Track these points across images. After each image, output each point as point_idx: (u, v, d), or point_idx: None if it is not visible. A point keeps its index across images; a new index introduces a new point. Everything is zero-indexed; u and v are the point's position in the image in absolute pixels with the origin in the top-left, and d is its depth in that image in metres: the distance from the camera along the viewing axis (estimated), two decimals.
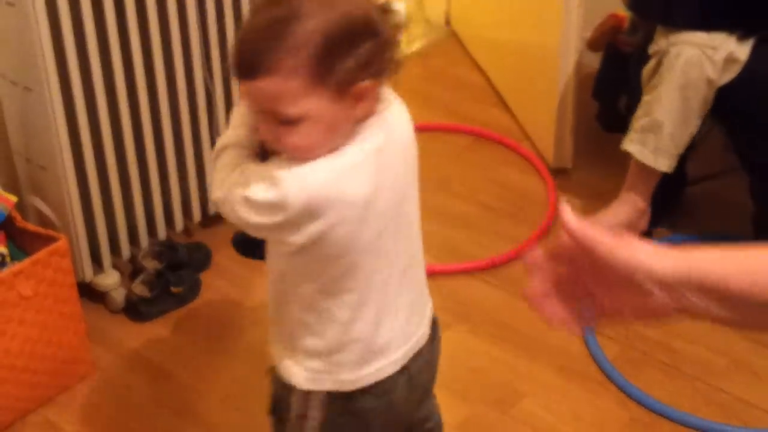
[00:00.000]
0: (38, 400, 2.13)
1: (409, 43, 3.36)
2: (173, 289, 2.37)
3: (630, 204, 2.35)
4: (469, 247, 2.59)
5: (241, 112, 1.43)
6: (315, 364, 1.44)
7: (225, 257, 2.51)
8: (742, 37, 2.21)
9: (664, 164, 2.26)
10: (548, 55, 2.75)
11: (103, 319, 2.35)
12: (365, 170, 1.32)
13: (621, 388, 2.17)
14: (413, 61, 3.25)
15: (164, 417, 2.13)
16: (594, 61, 2.91)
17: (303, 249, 1.33)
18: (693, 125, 2.24)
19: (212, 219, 2.55)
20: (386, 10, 1.31)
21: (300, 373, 1.45)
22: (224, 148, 1.40)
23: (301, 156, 1.29)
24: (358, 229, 1.33)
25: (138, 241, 2.40)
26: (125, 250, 2.38)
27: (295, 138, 1.28)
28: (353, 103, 1.29)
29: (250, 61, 1.26)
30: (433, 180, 2.81)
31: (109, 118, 2.20)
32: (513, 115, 3.06)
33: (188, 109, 2.34)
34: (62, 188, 2.19)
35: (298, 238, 1.31)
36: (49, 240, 2.08)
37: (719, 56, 2.18)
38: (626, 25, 2.79)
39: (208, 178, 2.47)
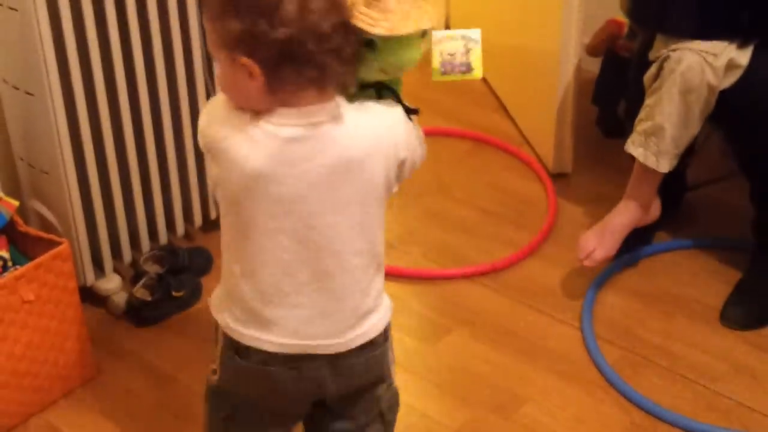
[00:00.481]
0: (41, 404, 2.14)
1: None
2: (175, 294, 2.38)
3: (635, 203, 2.37)
4: (470, 251, 2.59)
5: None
6: (220, 293, 1.55)
7: None
8: (742, 44, 2.22)
9: (666, 166, 2.28)
10: (548, 60, 2.76)
11: (105, 323, 2.36)
12: (262, 145, 1.38)
13: (622, 393, 2.17)
14: (413, 67, 3.25)
15: (166, 420, 2.13)
16: (594, 66, 2.92)
17: (216, 186, 1.46)
18: (694, 128, 2.25)
19: (213, 223, 2.56)
20: (335, 16, 1.34)
21: (214, 296, 1.57)
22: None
23: (229, 98, 1.42)
24: (243, 196, 1.41)
25: (139, 245, 2.40)
26: (127, 254, 2.38)
27: (217, 75, 1.48)
28: (247, 75, 1.35)
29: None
30: (433, 185, 2.82)
31: (111, 122, 2.21)
32: (513, 120, 3.07)
33: (189, 114, 2.35)
34: (64, 193, 2.19)
35: (212, 169, 1.47)
36: (51, 244, 2.09)
37: (720, 62, 2.18)
38: (625, 30, 2.80)
39: (209, 183, 2.47)
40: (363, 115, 1.43)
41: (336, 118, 1.39)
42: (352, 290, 1.49)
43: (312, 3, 1.32)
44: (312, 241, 1.44)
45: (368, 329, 1.52)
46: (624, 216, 2.37)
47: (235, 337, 1.52)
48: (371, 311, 1.52)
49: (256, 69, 1.34)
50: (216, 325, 1.58)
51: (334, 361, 1.52)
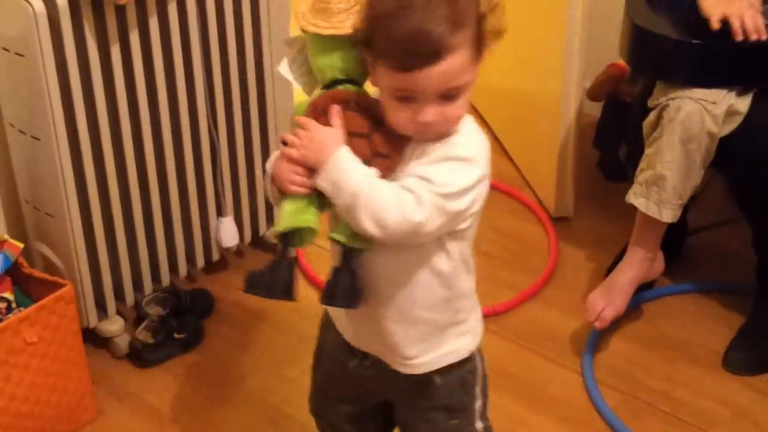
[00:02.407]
0: None
1: None
2: (176, 335, 2.38)
3: (639, 256, 2.36)
4: None
5: (346, 150, 1.43)
6: (476, 315, 1.61)
7: (228, 304, 2.52)
8: (741, 92, 2.23)
9: (669, 216, 2.27)
10: (549, 104, 2.78)
11: (107, 365, 2.36)
12: None
13: None
14: None
15: None
16: (595, 110, 2.94)
17: (470, 224, 1.48)
18: (696, 176, 2.26)
19: (215, 265, 2.57)
20: None
21: (471, 337, 1.61)
22: (374, 181, 1.40)
23: (455, 124, 1.41)
24: None
25: (142, 287, 2.42)
26: (129, 296, 2.39)
27: (458, 109, 1.39)
28: (478, 69, 1.41)
29: (430, 47, 1.33)
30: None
31: (115, 166, 2.23)
32: (514, 163, 3.09)
33: (193, 159, 2.37)
34: (68, 235, 2.20)
35: (480, 202, 1.45)
36: (55, 286, 2.10)
37: (719, 110, 2.20)
38: (627, 75, 2.82)
39: (211, 225, 2.49)
40: None
41: None
42: None
43: None
44: None
45: None
46: (629, 272, 2.35)
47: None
48: None
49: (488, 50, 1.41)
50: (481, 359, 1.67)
51: None
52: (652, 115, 2.27)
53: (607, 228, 2.77)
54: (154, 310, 2.44)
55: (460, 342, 1.58)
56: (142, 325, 2.40)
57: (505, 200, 2.96)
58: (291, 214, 1.42)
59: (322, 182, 1.40)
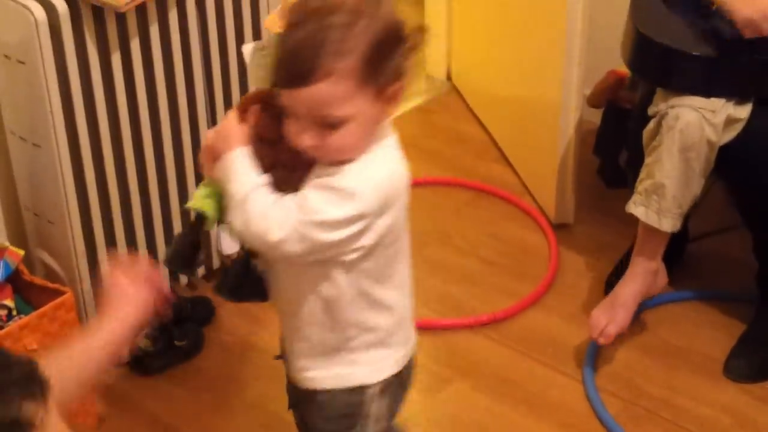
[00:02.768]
0: None
1: (410, 98, 3.40)
2: (177, 343, 2.38)
3: (642, 268, 2.34)
4: (471, 301, 2.60)
5: (243, 154, 1.42)
6: (378, 354, 1.53)
7: (228, 311, 2.52)
8: (741, 100, 2.23)
9: (669, 225, 2.27)
10: (549, 111, 2.78)
11: (108, 373, 2.36)
12: (399, 155, 1.43)
13: None
14: (414, 116, 3.28)
15: None
16: (595, 117, 2.94)
17: (372, 248, 1.41)
18: (696, 186, 2.25)
19: (216, 273, 2.57)
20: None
21: (365, 371, 1.53)
22: (255, 188, 1.39)
23: (341, 157, 1.37)
24: (405, 210, 1.45)
25: None
26: None
27: (339, 139, 1.35)
28: (387, 104, 1.37)
29: (302, 68, 1.31)
30: (434, 234, 2.83)
31: (116, 174, 2.23)
32: (514, 170, 3.09)
33: (193, 165, 2.37)
34: (69, 242, 2.20)
35: (371, 237, 1.39)
36: (56, 294, 2.10)
37: (718, 119, 2.20)
38: (627, 82, 2.82)
39: (212, 233, 2.48)
40: None
41: None
42: None
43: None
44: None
45: None
46: (632, 286, 2.34)
47: (402, 364, 1.58)
48: None
49: (404, 89, 1.38)
50: (378, 397, 1.57)
51: None
52: (651, 124, 2.27)
53: (607, 235, 2.76)
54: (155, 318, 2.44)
55: (348, 369, 1.53)
56: (143, 333, 2.39)
57: (505, 207, 2.95)
58: (198, 196, 1.47)
59: (217, 173, 1.42)
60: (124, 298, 1.46)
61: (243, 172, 1.40)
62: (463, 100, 3.42)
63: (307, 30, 1.32)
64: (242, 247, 1.53)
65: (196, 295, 2.53)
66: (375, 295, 1.49)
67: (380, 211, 1.38)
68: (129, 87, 2.18)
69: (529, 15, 2.89)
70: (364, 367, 1.54)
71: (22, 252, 2.14)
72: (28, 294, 2.14)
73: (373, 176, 1.37)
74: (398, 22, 1.36)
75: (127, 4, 2.03)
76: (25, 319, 2.03)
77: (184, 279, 2.49)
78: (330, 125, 1.34)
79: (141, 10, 2.13)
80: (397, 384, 1.59)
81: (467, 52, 3.41)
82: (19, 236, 2.30)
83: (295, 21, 1.34)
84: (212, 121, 2.36)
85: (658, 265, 2.37)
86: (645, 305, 2.51)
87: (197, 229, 1.49)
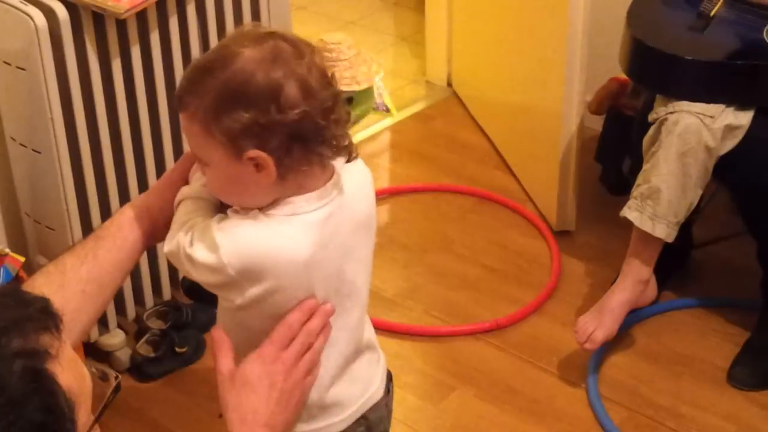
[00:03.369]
0: None
1: (412, 104, 3.40)
2: (178, 349, 2.38)
3: (632, 277, 2.33)
4: (472, 308, 2.59)
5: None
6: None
7: None
8: (741, 108, 2.23)
9: (663, 232, 2.26)
10: (551, 118, 2.78)
11: None
12: (306, 234, 1.32)
13: None
14: (415, 122, 3.28)
15: None
16: (596, 123, 2.94)
17: (246, 307, 1.34)
18: (692, 194, 2.25)
19: None
20: (323, 92, 1.30)
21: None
22: (181, 200, 1.39)
23: (223, 200, 1.35)
24: (301, 292, 1.34)
25: (143, 301, 2.40)
26: (130, 310, 2.38)
27: (210, 179, 1.34)
28: (254, 170, 1.29)
29: (176, 95, 1.33)
30: (435, 241, 2.82)
31: (116, 180, 2.22)
32: (516, 177, 3.08)
33: None
34: None
35: (239, 299, 1.32)
36: None
37: (717, 125, 2.19)
38: (628, 88, 2.81)
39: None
40: (354, 174, 1.41)
41: (341, 185, 1.37)
42: (371, 329, 1.51)
43: (310, 79, 1.28)
44: (345, 305, 1.42)
45: (383, 367, 1.54)
46: (621, 294, 2.33)
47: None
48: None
49: (268, 159, 1.27)
50: None
51: (381, 404, 1.51)
52: (651, 130, 2.27)
53: (609, 242, 2.76)
54: (156, 324, 2.43)
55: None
56: (144, 339, 2.39)
57: (507, 214, 2.95)
58: None
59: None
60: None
61: (192, 181, 1.41)
62: (464, 107, 3.41)
63: (192, 63, 1.33)
64: None
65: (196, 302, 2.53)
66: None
67: (244, 277, 1.30)
68: (129, 94, 2.17)
69: (530, 21, 2.89)
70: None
71: (22, 258, 2.13)
72: None
73: (243, 240, 1.30)
74: (272, 86, 1.26)
75: (127, 10, 2.03)
76: None
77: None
78: (201, 161, 1.33)
79: (141, 17, 2.13)
80: None
81: (468, 58, 3.40)
82: (19, 243, 2.30)
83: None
84: None
85: (649, 275, 2.35)
86: (649, 312, 2.51)
87: None
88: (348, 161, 1.37)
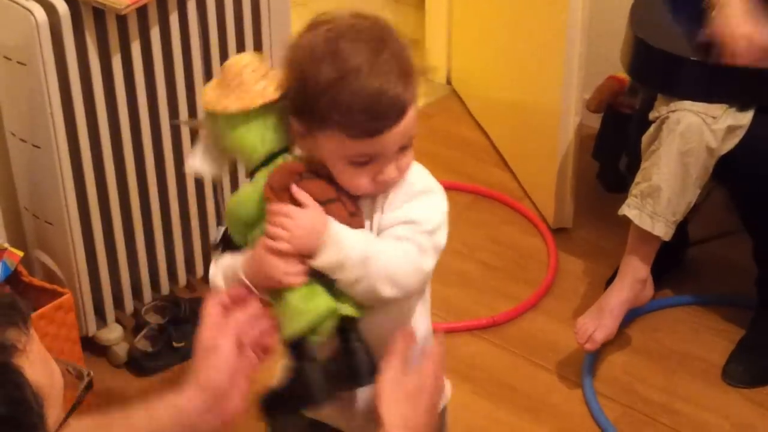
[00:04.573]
0: None
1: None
2: (175, 344, 2.38)
3: (631, 276, 2.34)
4: (470, 305, 2.60)
5: (339, 226, 1.34)
6: None
7: None
8: (743, 107, 2.24)
9: (662, 230, 2.26)
10: (549, 115, 2.79)
11: (106, 374, 2.36)
12: None
13: None
14: None
15: None
16: (594, 121, 2.94)
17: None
18: (691, 193, 2.25)
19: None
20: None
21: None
22: (374, 243, 1.32)
23: (406, 173, 1.35)
24: None
25: (141, 296, 2.41)
26: (129, 304, 2.39)
27: (409, 156, 1.35)
28: None
29: (396, 106, 1.28)
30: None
31: (116, 175, 2.23)
32: (513, 175, 3.09)
33: None
34: (68, 244, 2.20)
35: (438, 254, 1.37)
36: (55, 295, 2.10)
37: (719, 126, 2.20)
38: (626, 87, 2.82)
39: (212, 234, 2.49)
40: None
41: None
42: None
43: None
44: None
45: None
46: (620, 294, 2.33)
47: None
48: None
49: None
50: None
51: None
52: (651, 129, 2.27)
53: (606, 239, 2.77)
54: (154, 319, 2.44)
55: None
56: (141, 334, 2.39)
57: (505, 211, 2.95)
58: (301, 308, 1.29)
59: (322, 264, 1.29)
60: (216, 358, 1.27)
61: (354, 239, 1.30)
62: (463, 104, 3.42)
63: (368, 76, 1.26)
64: (304, 350, 1.33)
65: (195, 297, 2.53)
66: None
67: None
68: (129, 89, 2.18)
69: (530, 20, 2.89)
70: None
71: (21, 253, 2.14)
72: (27, 295, 2.14)
73: (423, 172, 1.38)
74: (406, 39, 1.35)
75: (127, 6, 2.03)
76: None
77: (182, 279, 2.48)
78: (405, 147, 1.32)
79: (142, 13, 2.13)
80: None
81: (467, 56, 3.41)
82: (18, 237, 2.30)
83: (346, 69, 1.26)
84: None
85: (647, 273, 2.36)
86: (644, 310, 2.52)
87: (348, 344, 1.33)
88: None
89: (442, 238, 1.36)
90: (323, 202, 1.31)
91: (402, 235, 1.32)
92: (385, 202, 1.35)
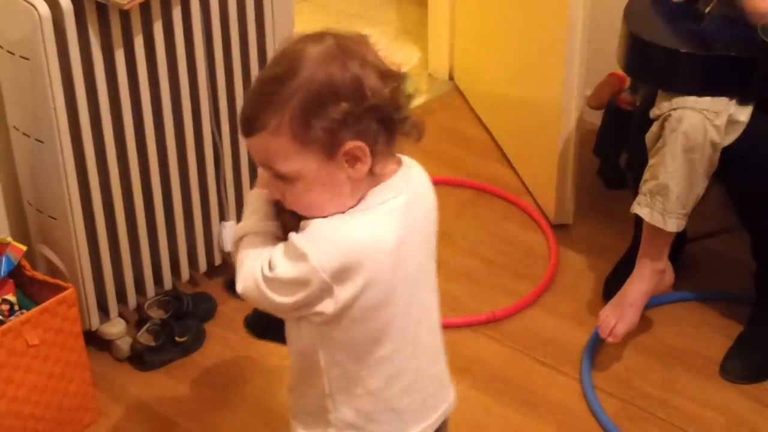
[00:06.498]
0: None
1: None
2: (178, 339, 2.39)
3: (649, 269, 2.35)
4: (471, 301, 2.61)
5: (256, 195, 1.42)
6: None
7: (229, 308, 2.53)
8: (742, 102, 2.25)
9: (674, 225, 2.28)
10: (550, 112, 2.80)
11: (109, 368, 2.37)
12: (392, 220, 1.33)
13: None
14: (416, 115, 3.28)
15: None
16: (595, 118, 2.95)
17: (336, 317, 1.33)
18: (700, 186, 2.26)
19: (217, 269, 2.58)
20: (390, 76, 1.31)
21: None
22: (242, 237, 1.39)
23: (306, 213, 1.32)
24: (388, 286, 1.34)
25: (144, 290, 2.42)
26: (131, 299, 2.40)
27: (294, 195, 1.31)
28: (348, 164, 1.30)
29: (246, 118, 1.31)
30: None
31: (119, 170, 2.24)
32: (515, 170, 3.10)
33: (196, 162, 2.38)
34: (71, 238, 2.22)
35: (331, 307, 1.31)
36: (58, 289, 2.11)
37: (721, 120, 2.21)
38: (627, 84, 2.83)
39: (214, 230, 2.50)
40: (412, 162, 1.43)
41: (409, 172, 1.39)
42: (439, 347, 1.53)
43: (380, 65, 1.30)
44: (425, 295, 1.45)
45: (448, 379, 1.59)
46: (640, 286, 2.35)
47: None
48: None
49: (364, 148, 1.28)
50: None
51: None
52: (654, 126, 2.28)
53: (606, 235, 2.78)
54: (156, 313, 2.45)
55: None
56: (144, 328, 2.41)
57: (505, 207, 2.96)
58: None
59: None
60: None
61: (246, 215, 1.40)
62: (465, 100, 3.43)
63: (259, 78, 1.32)
64: None
65: (197, 291, 2.55)
66: (352, 373, 1.40)
67: (338, 278, 1.29)
68: (132, 84, 2.19)
69: (531, 16, 2.90)
70: None
71: (24, 247, 2.15)
72: (30, 289, 2.16)
73: (332, 239, 1.30)
74: (352, 78, 1.27)
75: (130, 1, 2.04)
76: (26, 314, 2.04)
77: (185, 274, 2.50)
78: (282, 179, 1.30)
79: (145, 8, 2.14)
80: None
81: (469, 52, 3.42)
82: (21, 232, 2.31)
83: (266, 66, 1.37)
84: (215, 117, 2.37)
85: (664, 264, 2.38)
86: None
87: None
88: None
89: (271, 292, 1.33)
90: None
91: (260, 252, 1.36)
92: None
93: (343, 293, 1.31)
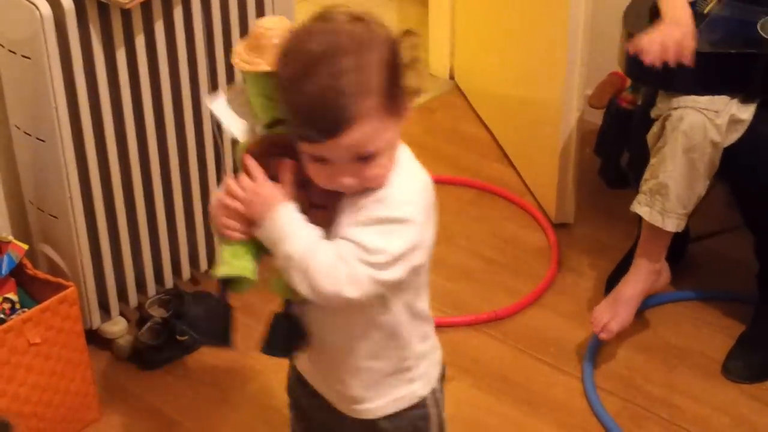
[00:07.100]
0: None
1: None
2: (179, 338, 2.39)
3: (645, 268, 2.35)
4: (472, 300, 2.61)
5: (293, 211, 1.37)
6: (427, 362, 1.52)
7: None
8: (744, 101, 2.24)
9: (673, 225, 2.28)
10: (551, 111, 2.80)
11: (110, 366, 2.37)
12: (416, 161, 1.41)
13: None
14: (417, 115, 3.29)
15: None
16: (596, 117, 2.95)
17: (417, 270, 1.40)
18: (700, 186, 2.26)
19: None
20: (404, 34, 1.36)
21: (420, 384, 1.52)
22: (315, 245, 1.34)
23: (379, 185, 1.34)
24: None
25: (145, 289, 2.42)
26: (133, 298, 2.40)
27: (376, 169, 1.32)
28: (404, 121, 1.35)
29: (331, 120, 1.27)
30: (436, 233, 2.83)
31: (120, 168, 2.24)
32: (516, 170, 3.10)
33: (197, 160, 2.38)
34: (72, 237, 2.22)
35: (425, 254, 1.39)
36: (59, 288, 2.11)
37: (722, 120, 2.21)
38: (628, 83, 2.83)
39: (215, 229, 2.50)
40: None
41: None
42: None
43: (389, 29, 1.36)
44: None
45: None
46: (636, 284, 2.35)
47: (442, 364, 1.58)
48: None
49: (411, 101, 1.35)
50: (435, 406, 1.57)
51: None
52: (655, 126, 2.28)
53: (607, 234, 2.78)
54: (157, 312, 2.45)
55: (407, 389, 1.51)
56: (145, 327, 2.40)
57: (507, 206, 2.96)
58: (228, 260, 1.37)
59: (261, 235, 1.36)
60: None
61: (297, 229, 1.35)
62: (466, 100, 3.43)
63: (321, 81, 1.26)
64: (223, 294, 1.45)
65: (199, 290, 2.55)
66: (417, 306, 1.47)
67: (427, 223, 1.38)
68: (133, 83, 2.19)
69: (532, 15, 2.90)
70: (419, 381, 1.52)
71: (25, 246, 2.15)
72: (31, 288, 2.16)
73: (412, 195, 1.35)
74: (396, 42, 1.31)
75: (131, 0, 2.04)
76: (28, 312, 2.04)
77: (186, 273, 2.50)
78: (364, 159, 1.31)
79: (146, 7, 2.14)
80: (441, 379, 1.59)
81: (470, 51, 3.42)
82: (22, 230, 2.32)
83: (301, 70, 1.28)
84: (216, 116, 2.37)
85: (661, 264, 2.38)
86: (645, 305, 2.52)
87: (226, 295, 1.44)
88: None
89: (389, 273, 1.34)
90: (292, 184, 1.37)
91: (344, 254, 1.33)
92: (357, 204, 1.35)
93: (429, 236, 1.39)
